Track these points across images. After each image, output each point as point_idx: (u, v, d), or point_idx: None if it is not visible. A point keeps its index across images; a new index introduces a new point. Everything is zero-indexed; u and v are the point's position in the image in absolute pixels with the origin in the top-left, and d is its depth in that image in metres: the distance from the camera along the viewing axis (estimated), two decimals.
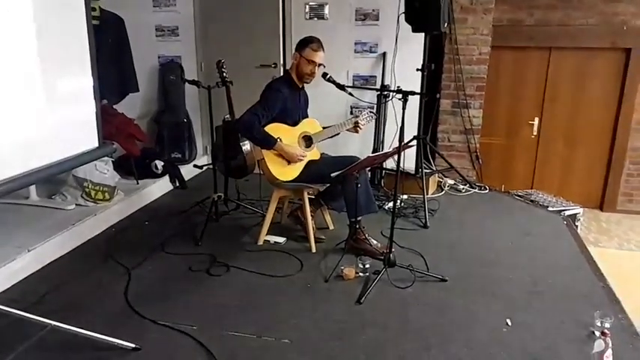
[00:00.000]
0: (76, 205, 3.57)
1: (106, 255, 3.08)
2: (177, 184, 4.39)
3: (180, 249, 3.16)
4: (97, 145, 2.64)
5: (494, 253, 3.19)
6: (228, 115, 3.56)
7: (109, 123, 3.67)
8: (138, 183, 4.09)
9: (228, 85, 3.52)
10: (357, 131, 3.24)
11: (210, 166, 3.88)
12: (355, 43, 4.63)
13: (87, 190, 3.58)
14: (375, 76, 4.67)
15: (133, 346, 2.11)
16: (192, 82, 3.57)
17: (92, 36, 2.54)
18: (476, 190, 4.48)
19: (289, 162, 3.07)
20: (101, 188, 3.61)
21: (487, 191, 4.49)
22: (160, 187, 4.25)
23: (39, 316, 2.13)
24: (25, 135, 2.15)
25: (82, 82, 2.54)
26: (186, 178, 4.55)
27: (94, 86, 2.58)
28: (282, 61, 4.65)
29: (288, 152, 3.03)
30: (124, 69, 4.51)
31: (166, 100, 4.85)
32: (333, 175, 2.90)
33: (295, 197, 3.42)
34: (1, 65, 2.01)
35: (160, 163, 4.23)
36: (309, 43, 3.09)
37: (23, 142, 2.14)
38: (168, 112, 4.84)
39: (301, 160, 3.09)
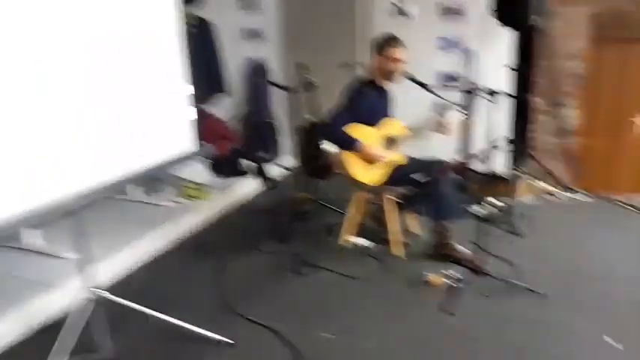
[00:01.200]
0: (174, 202, 3.83)
1: (203, 251, 3.27)
2: (265, 183, 4.54)
3: (269, 247, 3.27)
4: (194, 147, 2.81)
5: (599, 266, 2.95)
6: (309, 116, 3.62)
7: (201, 124, 3.89)
8: (228, 182, 4.29)
9: (312, 87, 3.57)
10: (445, 133, 3.16)
11: (296, 166, 3.97)
12: (438, 39, 4.50)
13: (183, 187, 3.82)
14: (460, 74, 4.50)
15: (230, 341, 2.23)
16: (278, 86, 3.68)
17: (188, 42, 2.71)
18: (573, 196, 4.19)
19: (371, 164, 3.06)
20: (196, 186, 3.85)
21: (586, 196, 4.19)
22: (249, 185, 4.42)
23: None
24: (126, 138, 2.32)
25: (180, 85, 2.70)
26: (273, 177, 4.69)
27: (191, 91, 2.75)
28: (363, 61, 4.63)
29: (370, 154, 3.02)
30: (212, 71, 4.74)
31: (253, 101, 5.02)
32: (417, 177, 2.85)
33: (378, 199, 3.41)
34: (103, 68, 2.18)
35: (248, 163, 4.40)
36: (387, 41, 3.06)
37: (125, 145, 2.31)
38: (254, 113, 5.01)
39: (383, 161, 3.08)
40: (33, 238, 3.04)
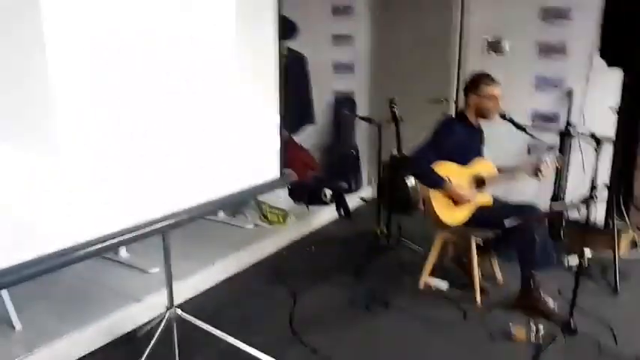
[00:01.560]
0: (255, 225, 3.94)
1: (276, 276, 3.30)
2: (343, 213, 4.55)
3: (342, 279, 3.24)
4: (278, 175, 2.88)
5: None
6: (395, 150, 3.59)
7: (286, 151, 4.01)
8: (308, 209, 4.35)
9: (399, 122, 3.55)
10: (538, 177, 2.98)
11: (375, 199, 3.93)
12: (536, 78, 4.30)
13: (264, 212, 3.93)
14: (559, 115, 4.25)
15: None
16: (364, 119, 3.70)
17: (282, 75, 2.81)
18: None
19: (457, 203, 2.95)
20: (276, 211, 3.94)
21: None
22: (327, 214, 4.46)
23: (214, 327, 2.38)
24: (214, 164, 2.42)
25: (271, 116, 2.80)
26: (351, 207, 4.69)
27: (280, 121, 2.84)
28: (454, 97, 4.55)
29: (457, 193, 2.90)
30: (303, 102, 4.89)
31: (338, 132, 5.10)
32: (506, 222, 2.70)
33: (461, 241, 3.26)
34: (200, 97, 2.30)
35: (328, 192, 4.44)
36: (482, 79, 2.97)
37: (213, 172, 2.41)
38: (338, 144, 5.08)
39: (470, 202, 2.95)
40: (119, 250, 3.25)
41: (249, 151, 2.65)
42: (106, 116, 1.90)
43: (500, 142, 3.84)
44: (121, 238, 1.98)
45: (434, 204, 2.95)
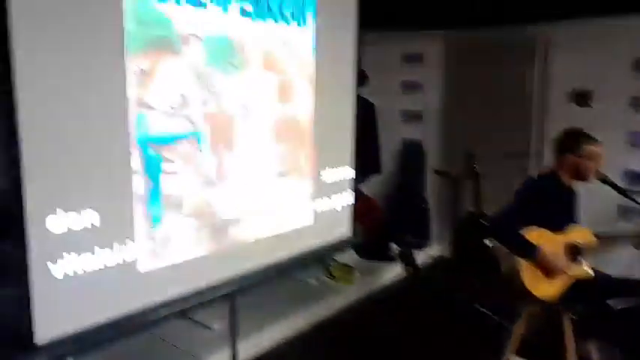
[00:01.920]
0: (318, 280, 3.74)
1: (339, 335, 3.10)
2: (411, 270, 4.27)
3: (410, 349, 2.96)
4: (350, 233, 2.69)
5: None
6: (473, 208, 3.32)
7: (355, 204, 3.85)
8: (373, 264, 4.10)
9: (479, 179, 3.29)
10: None
11: (446, 258, 3.66)
12: (630, 134, 3.93)
13: (331, 268, 3.73)
14: None
15: None
16: (441, 172, 3.48)
17: (355, 129, 2.67)
18: None
19: (549, 275, 2.60)
20: (342, 268, 3.73)
21: None
22: (393, 271, 4.18)
23: None
24: (289, 223, 2.30)
25: (344, 172, 2.64)
26: (419, 265, 4.40)
27: (353, 176, 2.67)
28: (535, 151, 4.24)
29: (551, 263, 2.55)
30: (370, 151, 4.72)
31: (406, 183, 4.88)
32: (612, 303, 2.34)
33: (553, 317, 2.89)
34: (269, 154, 2.21)
35: (395, 247, 4.19)
36: (582, 137, 2.67)
37: (288, 231, 2.28)
38: (407, 196, 4.85)
39: (565, 274, 2.60)
40: None
41: (321, 208, 2.51)
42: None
43: (588, 203, 3.47)
44: (193, 302, 1.94)
45: (522, 274, 2.62)
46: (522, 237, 2.62)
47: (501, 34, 4.33)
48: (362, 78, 4.24)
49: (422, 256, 4.49)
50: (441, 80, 4.84)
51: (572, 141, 2.72)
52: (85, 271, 1.61)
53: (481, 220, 3.23)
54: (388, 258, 4.21)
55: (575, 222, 2.79)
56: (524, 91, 4.29)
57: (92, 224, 1.62)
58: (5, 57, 1.43)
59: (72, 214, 1.57)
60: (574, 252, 2.68)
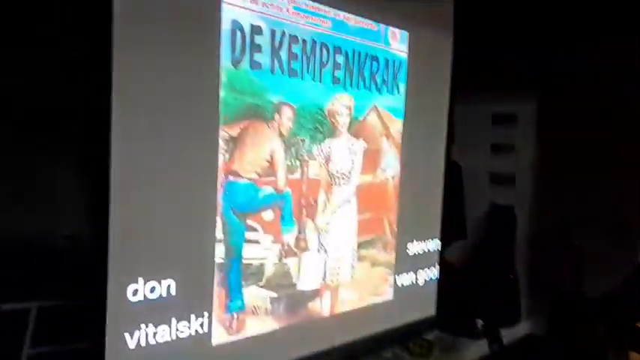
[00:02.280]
0: (394, 354, 3.46)
1: None
2: (496, 349, 3.87)
3: None
4: (433, 311, 2.48)
5: None
6: (571, 285, 2.96)
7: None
8: (455, 341, 3.76)
9: (577, 250, 2.96)
10: None
11: (540, 338, 3.28)
12: None
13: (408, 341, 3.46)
14: None
15: None
16: (533, 242, 3.17)
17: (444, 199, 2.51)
18: None
19: None
20: (421, 342, 3.44)
21: None
22: (477, 349, 3.80)
23: None
24: (369, 298, 2.16)
25: (430, 244, 2.47)
26: (506, 342, 3.99)
27: (439, 249, 2.49)
28: None
29: None
30: (455, 215, 4.47)
31: (494, 252, 4.52)
32: None
33: None
34: (352, 224, 2.10)
35: (480, 323, 3.83)
36: None
37: (367, 306, 2.14)
38: (494, 266, 4.48)
39: None
40: None
41: (405, 283, 2.35)
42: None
43: None
44: None
45: None
46: (637, 328, 2.28)
47: (605, 93, 4.02)
48: (452, 137, 4.09)
49: (510, 334, 4.09)
50: (536, 141, 4.55)
51: None
52: (157, 342, 1.56)
53: (584, 303, 2.86)
54: (472, 334, 3.85)
55: None
56: (631, 155, 3.89)
57: (171, 294, 1.59)
58: (104, 124, 1.47)
59: (152, 284, 1.55)
60: None
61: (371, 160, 2.37)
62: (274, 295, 1.95)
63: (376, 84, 2.38)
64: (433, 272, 2.52)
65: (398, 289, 2.38)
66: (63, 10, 1.76)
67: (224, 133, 1.79)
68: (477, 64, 3.98)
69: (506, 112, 4.64)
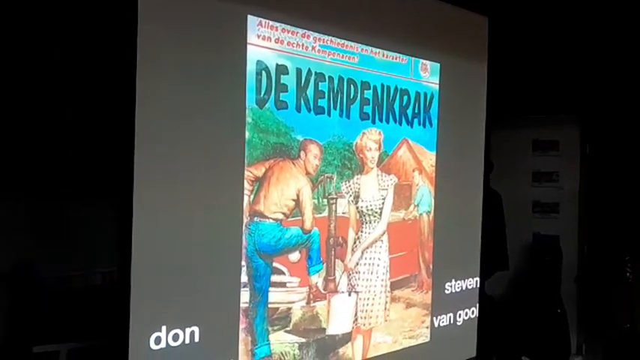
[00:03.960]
0: None
1: None
2: None
3: None
4: (474, 353, 2.34)
5: None
6: (628, 323, 2.75)
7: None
8: None
9: (631, 284, 2.75)
10: None
11: None
12: None
13: None
14: None
15: None
16: (580, 278, 2.97)
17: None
18: None
19: None
20: None
21: None
22: None
23: None
24: (404, 341, 2.06)
25: (469, 281, 2.35)
26: None
27: (479, 287, 2.36)
28: None
29: None
30: (496, 246, 4.28)
31: (538, 283, 4.29)
32: None
33: None
34: (384, 263, 2.03)
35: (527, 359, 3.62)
36: None
37: (402, 350, 2.04)
38: (538, 298, 4.25)
39: None
40: None
41: (440, 323, 2.22)
42: None
43: None
44: None
45: None
46: None
47: None
48: (488, 168, 3.95)
49: None
50: (580, 168, 4.34)
51: None
52: None
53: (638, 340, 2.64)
54: None
55: None
56: None
57: (195, 341, 1.55)
58: (128, 166, 1.47)
59: (176, 331, 1.51)
60: None
61: (403, 195, 2.29)
62: (303, 340, 1.88)
63: (407, 117, 2.32)
64: (473, 312, 2.39)
65: (435, 331, 2.26)
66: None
67: (249, 173, 1.77)
68: (515, 90, 3.87)
69: (547, 138, 4.48)
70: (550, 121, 4.36)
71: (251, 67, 1.79)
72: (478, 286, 2.37)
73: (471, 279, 2.35)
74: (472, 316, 2.36)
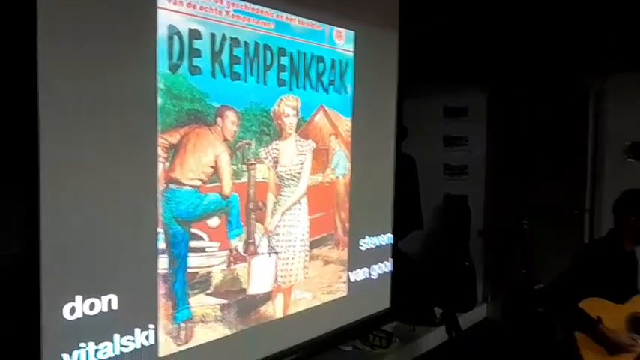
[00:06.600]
0: (354, 347, 3.52)
1: None
2: (454, 334, 3.99)
3: None
4: (389, 304, 2.53)
5: None
6: (523, 271, 3.09)
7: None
8: (414, 330, 3.86)
9: (527, 237, 3.08)
10: None
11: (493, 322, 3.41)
12: None
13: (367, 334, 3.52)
14: None
15: None
16: (484, 234, 3.27)
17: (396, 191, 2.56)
18: None
19: (613, 351, 2.34)
20: (379, 333, 3.51)
21: None
22: (437, 335, 3.91)
23: None
24: (323, 297, 2.19)
25: (383, 237, 2.52)
26: (464, 327, 4.12)
27: (393, 242, 2.54)
28: (590, 209, 3.97)
29: (612, 339, 2.32)
30: (411, 207, 4.56)
31: (449, 241, 4.66)
32: None
33: None
34: (303, 224, 2.14)
35: (438, 310, 3.94)
36: None
37: (322, 305, 2.17)
38: (450, 255, 4.62)
39: (630, 351, 2.33)
40: None
41: (357, 278, 2.37)
42: None
43: None
44: None
45: (582, 351, 2.38)
46: (579, 309, 2.39)
47: (551, 86, 4.17)
48: (402, 132, 4.16)
49: (466, 319, 4.22)
50: (487, 133, 4.69)
51: (633, 202, 2.51)
52: (99, 359, 1.53)
53: (534, 288, 2.99)
54: (430, 322, 3.96)
55: (638, 291, 2.54)
56: (577, 145, 4.06)
57: (112, 309, 1.56)
58: (32, 134, 1.42)
59: (91, 300, 1.51)
60: (638, 324, 2.43)
61: (321, 160, 2.38)
62: (224, 301, 1.94)
63: (323, 84, 2.39)
64: (387, 266, 2.57)
65: (352, 285, 2.41)
66: None
67: (163, 140, 1.76)
68: (427, 59, 4.06)
69: (457, 105, 4.76)
70: (460, 88, 4.64)
71: (162, 32, 1.75)
72: (391, 242, 2.54)
73: (383, 235, 2.52)
74: (386, 270, 2.55)
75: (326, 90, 2.39)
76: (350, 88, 2.51)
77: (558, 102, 4.14)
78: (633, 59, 3.64)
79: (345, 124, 2.50)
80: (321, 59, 2.37)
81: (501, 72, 4.31)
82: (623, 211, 2.52)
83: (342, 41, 2.46)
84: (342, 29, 2.45)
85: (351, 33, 2.50)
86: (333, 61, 2.43)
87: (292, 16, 2.21)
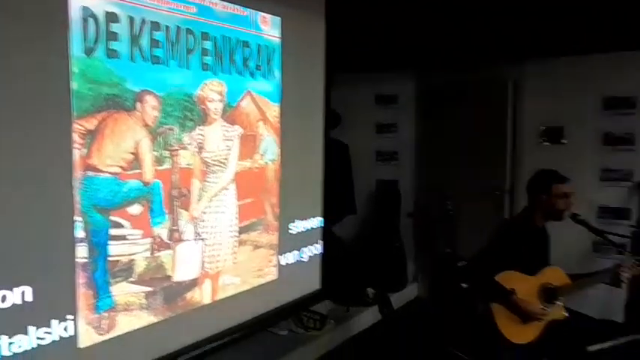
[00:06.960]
0: (289, 331, 3.57)
1: None
2: (386, 313, 4.14)
3: None
4: (319, 285, 2.59)
5: None
6: (447, 249, 3.26)
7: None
8: (348, 310, 3.96)
9: (451, 218, 3.24)
10: (619, 286, 2.57)
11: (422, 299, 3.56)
12: (602, 171, 3.94)
13: (300, 316, 3.57)
14: (630, 209, 3.83)
15: None
16: (412, 215, 3.40)
17: (326, 176, 2.61)
18: None
19: (526, 320, 2.53)
20: (313, 316, 3.57)
21: None
22: (370, 315, 4.04)
23: None
24: (252, 280, 2.21)
25: (312, 222, 2.56)
26: (396, 306, 4.28)
27: (322, 225, 2.59)
28: (509, 189, 4.22)
29: (524, 308, 2.50)
30: (344, 192, 4.65)
31: (381, 224, 4.80)
32: (591, 348, 2.27)
33: None
34: (231, 210, 2.14)
35: (371, 291, 4.07)
36: (553, 178, 2.65)
37: (251, 289, 2.19)
38: (382, 237, 4.76)
39: (541, 319, 2.53)
40: None
41: (287, 261, 2.41)
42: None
43: (561, 241, 3.43)
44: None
45: (497, 320, 2.55)
46: (495, 282, 2.56)
47: (473, 75, 4.38)
48: (335, 120, 4.22)
49: (398, 299, 4.39)
50: (415, 120, 4.85)
51: (543, 181, 2.70)
52: (14, 353, 1.47)
53: (457, 264, 3.16)
54: (364, 302, 4.08)
55: (548, 264, 2.74)
56: (497, 130, 4.30)
57: (26, 301, 1.50)
58: None
59: (2, 292, 1.44)
60: (548, 294, 2.63)
61: (249, 145, 2.38)
62: (149, 289, 1.92)
63: (249, 69, 2.38)
64: (317, 248, 2.62)
65: (283, 268, 2.45)
66: None
67: (79, 126, 1.70)
68: (356, 48, 4.12)
69: (387, 93, 4.89)
70: (390, 77, 4.77)
71: (75, 14, 1.68)
72: (322, 225, 2.60)
73: (313, 219, 2.57)
74: (316, 253, 2.60)
75: (252, 75, 2.38)
76: (278, 74, 2.51)
77: (480, 91, 4.36)
78: (547, 48, 3.89)
79: (273, 109, 2.50)
80: (246, 44, 2.36)
81: (428, 61, 4.46)
82: (535, 189, 2.72)
83: (267, 27, 2.46)
84: (268, 15, 2.44)
85: (277, 19, 2.50)
86: (259, 46, 2.42)
87: (215, 1, 2.18)
